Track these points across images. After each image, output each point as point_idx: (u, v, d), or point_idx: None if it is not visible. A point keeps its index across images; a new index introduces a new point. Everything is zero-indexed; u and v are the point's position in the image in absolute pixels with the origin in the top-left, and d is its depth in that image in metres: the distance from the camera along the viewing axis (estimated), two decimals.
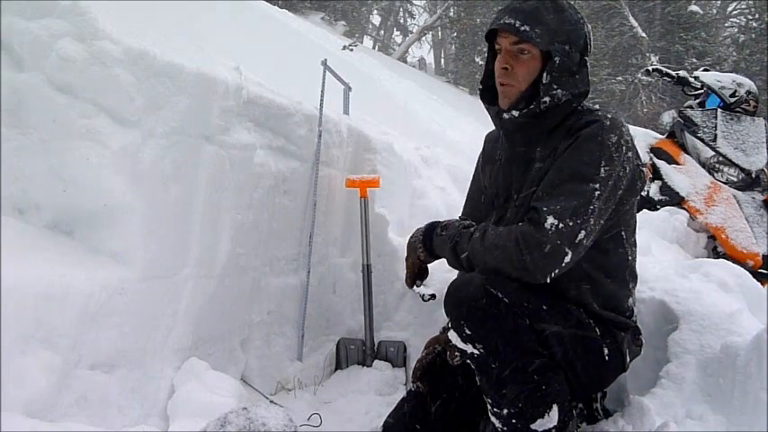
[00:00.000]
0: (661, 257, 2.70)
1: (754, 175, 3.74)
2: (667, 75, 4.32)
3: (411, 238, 1.96)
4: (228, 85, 2.02)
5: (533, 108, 1.68)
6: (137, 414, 1.75)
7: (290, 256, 2.44)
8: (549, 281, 1.55)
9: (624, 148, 1.63)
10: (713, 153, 3.79)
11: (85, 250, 1.76)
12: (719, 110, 3.87)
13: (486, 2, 17.34)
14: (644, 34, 15.35)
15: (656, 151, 4.00)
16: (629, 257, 1.77)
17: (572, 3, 1.75)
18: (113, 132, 1.76)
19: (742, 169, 3.74)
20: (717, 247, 3.52)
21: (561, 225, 1.53)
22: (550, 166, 1.65)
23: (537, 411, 1.54)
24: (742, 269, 2.38)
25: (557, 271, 1.54)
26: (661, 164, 3.89)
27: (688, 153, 3.89)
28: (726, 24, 19.84)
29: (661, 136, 4.21)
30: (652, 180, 3.88)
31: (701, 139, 3.84)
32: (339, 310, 2.63)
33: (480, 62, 17.35)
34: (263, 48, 7.20)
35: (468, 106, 12.24)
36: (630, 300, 1.78)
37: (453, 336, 1.58)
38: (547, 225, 1.53)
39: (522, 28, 1.64)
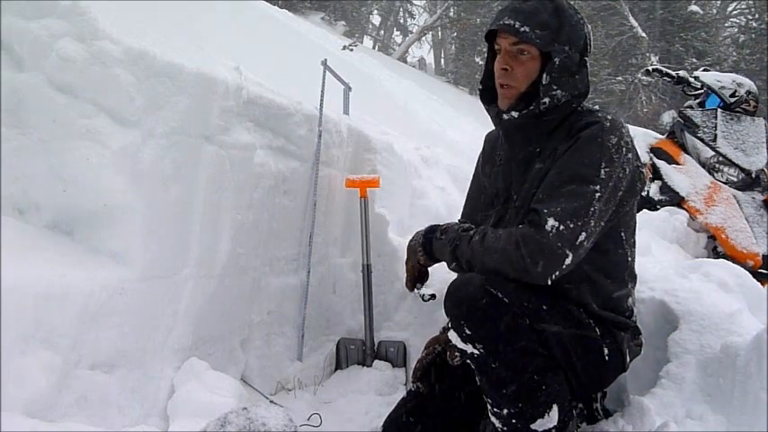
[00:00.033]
0: (661, 257, 2.70)
1: (754, 175, 3.74)
2: (667, 75, 4.32)
3: (411, 241, 1.95)
4: (228, 85, 2.02)
5: (533, 109, 1.68)
6: (137, 414, 1.75)
7: (290, 256, 2.44)
8: (549, 283, 1.55)
9: (624, 149, 1.63)
10: (713, 153, 3.79)
11: (85, 250, 1.76)
12: (719, 110, 3.87)
13: (487, 2, 17.34)
14: (644, 34, 15.36)
15: (656, 151, 4.00)
16: (629, 258, 1.77)
17: (572, 3, 1.75)
18: (113, 132, 1.76)
19: (742, 169, 3.74)
20: (717, 247, 3.52)
21: (562, 227, 1.53)
22: (550, 167, 1.65)
23: (537, 411, 1.54)
24: (742, 269, 2.38)
25: (557, 273, 1.54)
26: (661, 164, 3.89)
27: (688, 153, 3.89)
28: (726, 24, 19.84)
29: (661, 136, 4.21)
30: (652, 180, 3.88)
31: (701, 139, 3.84)
32: (339, 310, 2.63)
33: (480, 62, 17.34)
34: (263, 48, 7.20)
35: (468, 106, 12.24)
36: (630, 300, 1.78)
37: (453, 336, 1.58)
38: (547, 227, 1.53)
39: (522, 29, 1.64)
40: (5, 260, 1.45)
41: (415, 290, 1.98)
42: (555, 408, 1.55)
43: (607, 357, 1.68)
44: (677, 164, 3.86)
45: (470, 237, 1.68)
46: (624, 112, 14.64)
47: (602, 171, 1.58)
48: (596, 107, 1.79)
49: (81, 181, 1.75)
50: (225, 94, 2.01)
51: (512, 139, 1.78)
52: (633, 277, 1.81)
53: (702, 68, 4.68)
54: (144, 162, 1.78)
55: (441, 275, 2.15)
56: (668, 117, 5.12)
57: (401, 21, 25.21)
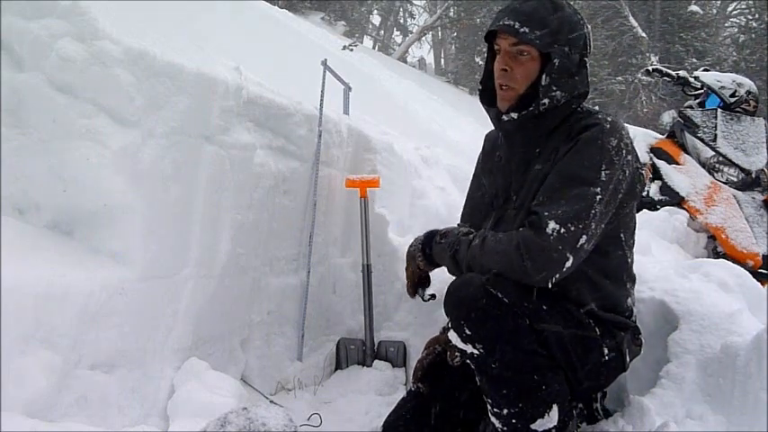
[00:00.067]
0: (661, 257, 2.70)
1: (754, 175, 3.75)
2: (667, 75, 4.32)
3: (410, 247, 1.93)
4: (228, 85, 2.02)
5: (532, 110, 1.68)
6: (137, 414, 1.75)
7: (290, 256, 2.44)
8: (549, 286, 1.55)
9: (624, 151, 1.63)
10: (713, 153, 3.79)
11: (85, 250, 1.76)
12: (719, 110, 3.87)
13: (487, 2, 17.34)
14: (644, 34, 15.35)
15: (656, 151, 4.00)
16: (628, 260, 1.77)
17: (572, 3, 1.75)
18: (113, 132, 1.76)
19: (742, 169, 3.74)
20: (717, 247, 3.52)
21: (563, 230, 1.53)
22: (550, 169, 1.65)
23: (537, 411, 1.54)
24: (742, 269, 2.38)
25: (557, 276, 1.54)
26: (661, 164, 3.89)
27: (688, 153, 3.89)
28: (726, 24, 19.85)
29: (661, 136, 4.21)
30: (652, 180, 3.88)
31: (701, 139, 3.85)
32: (339, 310, 2.63)
33: (480, 62, 17.35)
34: (263, 48, 7.20)
35: (468, 106, 12.24)
36: (629, 300, 1.78)
37: (453, 336, 1.58)
38: (548, 230, 1.53)
39: (522, 29, 1.64)
40: (5, 260, 1.45)
41: (417, 296, 1.95)
42: (555, 408, 1.55)
43: (607, 357, 1.68)
44: (677, 164, 3.86)
45: (470, 240, 1.68)
46: (624, 112, 14.64)
47: (603, 173, 1.58)
48: (596, 108, 1.79)
49: (81, 181, 1.75)
50: (225, 94, 2.01)
51: (511, 140, 1.78)
52: (632, 278, 1.81)
53: (702, 68, 4.68)
54: (144, 162, 1.78)
55: (441, 276, 2.14)
56: (668, 117, 5.11)
57: (401, 21, 25.20)
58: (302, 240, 2.49)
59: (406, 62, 20.12)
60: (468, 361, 1.61)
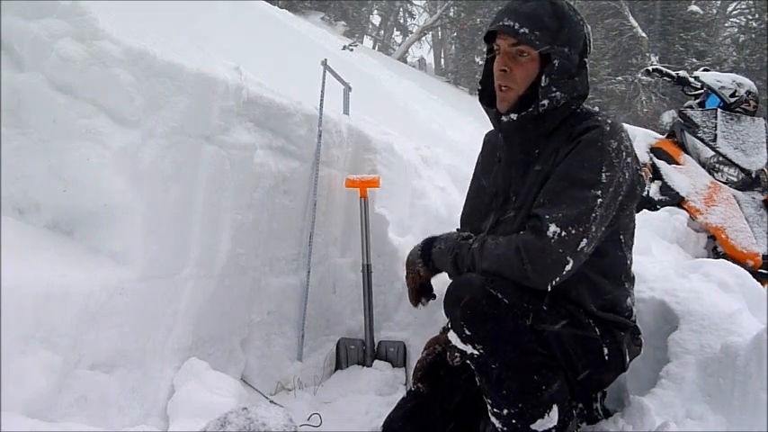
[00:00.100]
0: (661, 257, 2.70)
1: (754, 175, 3.75)
2: (667, 75, 4.32)
3: (409, 255, 1.92)
4: (228, 85, 2.02)
5: (532, 111, 1.67)
6: (137, 414, 1.75)
7: (290, 256, 2.44)
8: (549, 289, 1.55)
9: (624, 153, 1.63)
10: (713, 153, 3.79)
11: (85, 250, 1.76)
12: (719, 110, 3.87)
13: (487, 2, 17.34)
14: (644, 34, 15.36)
15: (656, 151, 4.00)
16: (627, 260, 1.77)
17: (571, 3, 1.75)
18: (113, 132, 1.76)
19: (742, 169, 3.74)
20: (717, 247, 3.53)
21: (564, 233, 1.53)
22: (550, 170, 1.65)
23: (537, 411, 1.54)
24: (742, 269, 2.38)
25: (557, 279, 1.54)
26: (661, 164, 3.89)
27: (688, 153, 3.89)
28: (726, 24, 19.86)
29: (661, 136, 4.21)
30: (652, 180, 3.88)
31: (701, 139, 3.85)
32: (339, 310, 2.63)
33: (480, 62, 17.36)
34: (263, 48, 7.19)
35: (468, 106, 12.23)
36: (629, 300, 1.78)
37: (453, 336, 1.58)
38: (549, 233, 1.53)
39: (521, 30, 1.63)
40: (5, 260, 1.45)
41: (420, 306, 1.93)
42: (555, 408, 1.55)
43: (607, 357, 1.68)
44: (677, 164, 3.86)
45: (470, 245, 1.68)
46: (624, 112, 14.64)
47: (604, 175, 1.58)
48: (595, 108, 1.79)
49: (81, 181, 1.75)
50: (225, 94, 2.01)
51: (511, 141, 1.77)
52: (631, 278, 1.81)
53: (702, 68, 4.68)
54: (144, 162, 1.79)
55: (441, 276, 2.15)
56: (668, 117, 5.11)
57: (401, 21, 25.20)
58: (302, 240, 2.49)
59: (406, 62, 20.12)
60: (468, 361, 1.61)
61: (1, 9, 1.81)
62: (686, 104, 4.19)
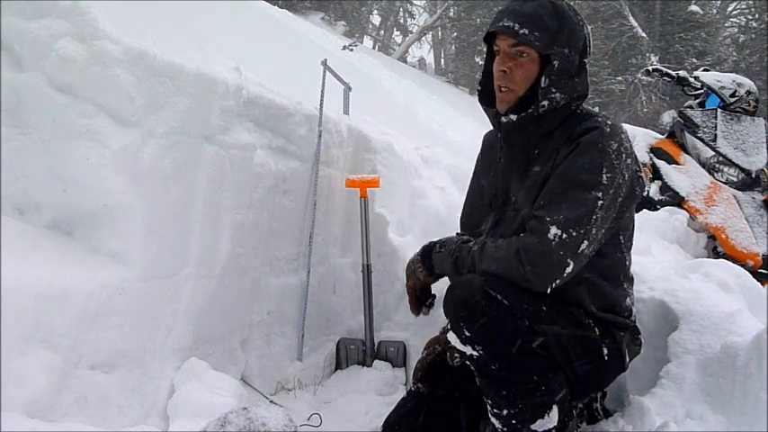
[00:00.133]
0: (661, 257, 2.70)
1: (754, 175, 3.75)
2: (667, 75, 4.32)
3: (408, 262, 1.91)
4: (228, 85, 2.02)
5: (532, 112, 1.67)
6: (137, 414, 1.75)
7: (290, 256, 2.44)
8: (549, 291, 1.55)
9: (624, 154, 1.62)
10: (713, 153, 3.79)
11: (85, 250, 1.76)
12: (719, 110, 3.87)
13: (486, 2, 17.34)
14: (644, 34, 15.36)
15: (656, 151, 4.00)
16: (627, 261, 1.77)
17: (571, 4, 1.74)
18: (113, 132, 1.76)
19: (742, 169, 3.74)
20: (717, 247, 3.52)
21: (565, 236, 1.53)
22: (550, 171, 1.65)
23: (537, 412, 1.54)
24: (742, 269, 2.38)
25: (558, 281, 1.54)
26: (661, 164, 3.89)
27: (688, 153, 3.89)
28: (726, 24, 19.87)
29: (661, 136, 4.21)
30: (652, 180, 3.88)
31: (701, 139, 3.85)
32: (339, 310, 2.63)
33: (480, 62, 17.34)
34: (263, 48, 7.19)
35: (468, 106, 12.23)
36: (628, 300, 1.78)
37: (453, 337, 1.58)
38: (550, 235, 1.53)
39: (522, 31, 1.63)
40: (5, 260, 1.45)
41: (422, 314, 1.91)
42: (555, 408, 1.55)
43: (606, 357, 1.68)
44: (677, 164, 3.86)
45: (470, 247, 1.68)
46: (624, 113, 14.64)
47: (604, 177, 1.58)
48: (595, 109, 1.79)
49: (81, 181, 1.75)
50: (225, 94, 2.01)
51: (510, 142, 1.77)
52: (630, 278, 1.81)
53: (702, 68, 4.68)
54: (144, 162, 1.78)
55: (442, 278, 2.15)
56: (668, 117, 5.13)
57: (401, 21, 25.21)
58: (302, 240, 2.49)
59: (406, 62, 20.12)
60: (467, 362, 1.60)
61: (1, 9, 1.81)
62: (686, 104, 4.19)
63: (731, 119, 3.85)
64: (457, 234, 1.96)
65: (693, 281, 2.20)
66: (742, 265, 2.56)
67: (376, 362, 2.46)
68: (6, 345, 1.41)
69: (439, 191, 3.12)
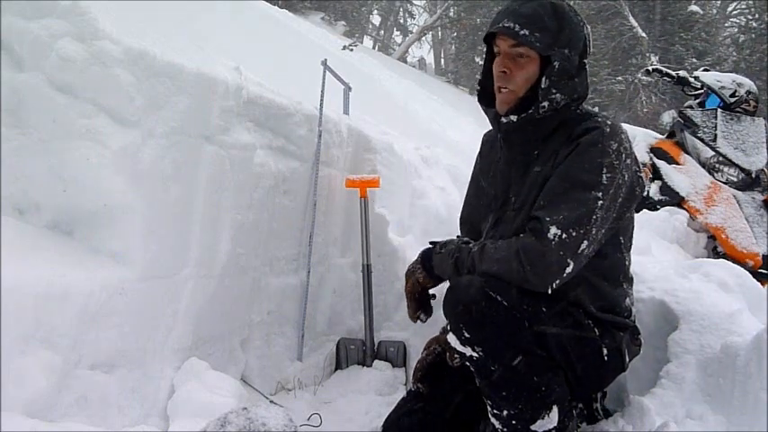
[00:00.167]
0: (661, 257, 2.70)
1: (754, 175, 3.75)
2: (667, 75, 4.32)
3: (408, 266, 1.90)
4: (228, 85, 2.02)
5: (532, 113, 1.67)
6: (137, 414, 1.75)
7: (290, 256, 2.44)
8: (549, 291, 1.54)
9: (624, 155, 1.62)
10: (713, 153, 3.79)
11: (85, 250, 1.76)
12: (719, 110, 3.87)
13: (487, 2, 17.34)
14: (644, 34, 15.35)
15: (656, 151, 4.00)
16: (626, 261, 1.77)
17: (571, 4, 1.74)
18: (113, 132, 1.76)
19: (742, 169, 3.74)
20: (717, 247, 3.53)
21: (564, 236, 1.52)
22: (550, 171, 1.65)
23: (537, 412, 1.54)
24: (742, 269, 2.38)
25: (557, 282, 1.54)
26: (661, 164, 3.89)
27: (688, 153, 3.89)
28: (726, 24, 19.86)
29: (661, 136, 4.22)
30: (652, 180, 3.88)
31: (701, 139, 3.85)
32: (339, 310, 2.63)
33: (480, 62, 17.32)
34: (263, 48, 7.19)
35: (468, 106, 12.22)
36: (628, 300, 1.78)
37: (452, 339, 1.58)
38: (550, 235, 1.52)
39: (522, 32, 1.63)
40: (5, 260, 1.45)
41: (419, 321, 1.90)
42: (555, 409, 1.55)
43: (606, 358, 1.68)
44: (677, 164, 3.86)
45: (470, 248, 1.67)
46: (624, 112, 14.64)
47: (604, 177, 1.58)
48: (595, 109, 1.79)
49: (81, 181, 1.75)
50: (225, 94, 2.01)
51: (510, 142, 1.77)
52: (630, 279, 1.81)
53: (702, 68, 4.68)
54: (144, 162, 1.78)
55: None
56: (668, 117, 5.13)
57: (401, 21, 25.21)
58: (302, 240, 2.49)
59: (406, 62, 20.12)
60: (467, 363, 1.60)
61: (1, 9, 1.81)
62: (686, 104, 4.19)
63: (731, 119, 3.85)
64: (457, 236, 1.96)
65: (693, 281, 2.20)
66: (742, 265, 2.56)
67: (376, 362, 2.46)
68: (6, 345, 1.41)
69: (439, 191, 3.11)
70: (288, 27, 10.21)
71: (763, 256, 3.38)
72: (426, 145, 3.82)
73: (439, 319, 1.82)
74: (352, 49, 11.27)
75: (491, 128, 1.90)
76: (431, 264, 1.81)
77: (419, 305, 1.89)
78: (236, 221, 2.10)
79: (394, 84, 10.61)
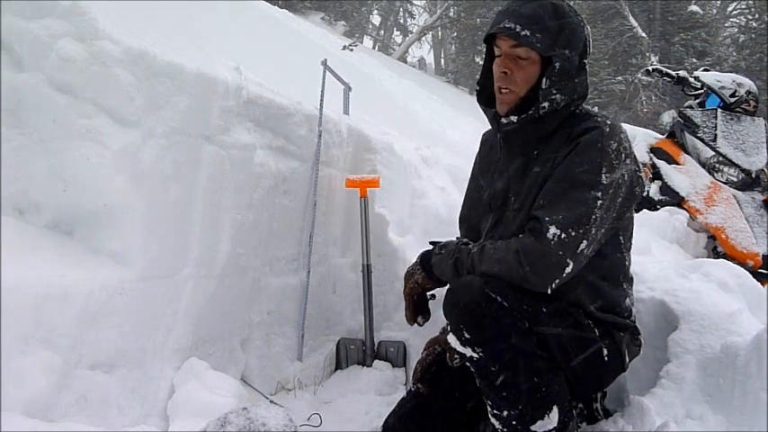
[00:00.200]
0: (661, 257, 2.70)
1: (754, 175, 3.75)
2: (667, 75, 4.32)
3: (407, 268, 1.90)
4: (228, 85, 2.02)
5: (532, 113, 1.67)
6: (137, 414, 1.75)
7: (290, 256, 2.44)
8: (549, 291, 1.54)
9: (623, 154, 1.62)
10: (713, 153, 3.79)
11: (85, 250, 1.76)
12: (719, 110, 3.87)
13: (487, 2, 17.34)
14: (644, 34, 15.36)
15: (656, 151, 4.00)
16: (626, 261, 1.77)
17: (571, 4, 1.74)
18: (113, 132, 1.76)
19: (742, 169, 3.74)
20: (717, 247, 3.52)
21: (564, 236, 1.52)
22: (549, 172, 1.64)
23: (537, 413, 1.53)
24: (742, 269, 2.38)
25: (557, 282, 1.54)
26: (661, 164, 3.89)
27: (688, 153, 3.89)
28: (726, 24, 19.88)
29: (661, 136, 4.21)
30: (652, 180, 3.88)
31: (701, 139, 3.85)
32: (339, 310, 2.63)
33: (480, 62, 17.33)
34: (263, 48, 7.20)
35: (468, 106, 12.22)
36: (628, 300, 1.78)
37: (453, 339, 1.57)
38: (549, 235, 1.52)
39: (523, 33, 1.62)
40: (5, 260, 1.45)
41: (417, 324, 1.90)
42: (555, 409, 1.55)
43: (606, 358, 1.68)
44: (677, 164, 3.86)
45: (470, 249, 1.67)
46: (624, 112, 14.64)
47: (604, 176, 1.57)
48: (594, 109, 1.78)
49: (81, 181, 1.75)
50: (225, 94, 2.01)
51: (510, 143, 1.77)
52: (630, 279, 1.81)
53: (702, 68, 4.68)
54: (144, 162, 1.78)
55: None
56: (668, 117, 5.12)
57: (401, 21, 25.22)
58: (302, 240, 2.49)
59: (406, 62, 20.13)
60: (467, 364, 1.60)
61: (1, 9, 1.81)
62: (686, 104, 4.19)
63: (731, 119, 3.85)
64: (456, 238, 1.96)
65: (693, 281, 2.20)
66: (742, 265, 2.56)
67: (376, 362, 2.46)
68: (6, 345, 1.41)
69: (439, 191, 3.12)
70: (288, 27, 10.22)
71: (763, 256, 3.38)
72: (426, 145, 3.82)
73: (439, 319, 1.82)
74: (352, 49, 11.28)
75: (490, 127, 1.90)
76: (430, 265, 1.80)
77: (417, 308, 1.89)
78: (236, 221, 2.10)
79: (394, 84, 10.62)
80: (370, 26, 24.85)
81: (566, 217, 1.54)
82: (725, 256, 3.29)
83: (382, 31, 25.23)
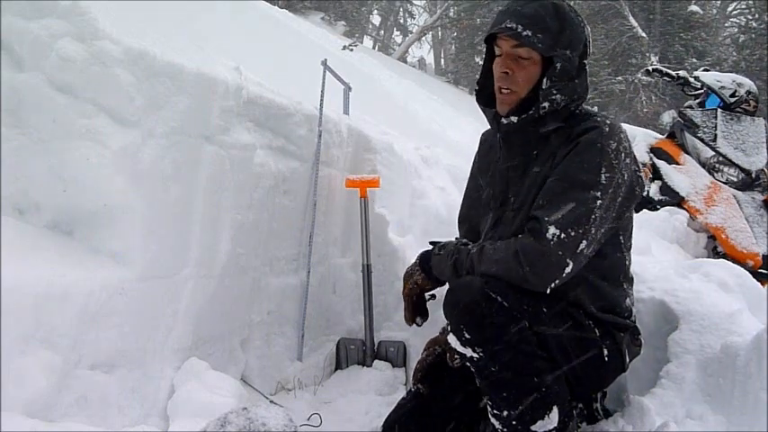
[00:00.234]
0: (661, 257, 2.70)
1: (754, 175, 3.75)
2: (667, 75, 4.32)
3: (406, 269, 1.90)
4: (228, 85, 2.02)
5: (532, 113, 1.67)
6: (137, 414, 1.75)
7: (290, 256, 2.44)
8: (548, 291, 1.54)
9: (623, 154, 1.62)
10: (713, 153, 3.79)
11: (85, 250, 1.76)
12: (719, 110, 3.87)
13: (487, 2, 17.34)
14: (644, 34, 15.35)
15: (656, 151, 4.00)
16: (626, 261, 1.77)
17: (571, 4, 1.74)
18: (113, 132, 1.76)
19: (742, 169, 3.74)
20: (717, 247, 3.53)
21: (563, 235, 1.52)
22: (549, 172, 1.64)
23: (537, 413, 1.53)
24: (742, 269, 2.38)
25: (557, 282, 1.54)
26: (661, 164, 3.89)
27: (688, 153, 3.89)
28: (726, 24, 19.88)
29: (661, 136, 4.22)
30: (652, 180, 3.88)
31: (701, 139, 3.85)
32: (339, 310, 2.63)
33: (480, 62, 17.33)
34: (263, 48, 7.20)
35: (468, 106, 12.22)
36: (628, 300, 1.78)
37: (453, 339, 1.57)
38: (549, 235, 1.52)
39: (524, 33, 1.62)
40: (5, 260, 1.45)
41: (415, 325, 1.90)
42: (555, 409, 1.55)
43: (607, 358, 1.68)
44: (677, 164, 3.86)
45: (469, 250, 1.67)
46: (624, 113, 14.64)
47: (603, 176, 1.57)
48: (594, 109, 1.78)
49: (81, 181, 1.75)
50: (225, 94, 2.01)
51: (510, 143, 1.77)
52: (630, 279, 1.81)
53: (702, 68, 4.69)
54: (144, 162, 1.78)
55: None
56: (668, 117, 5.13)
57: (401, 21, 25.22)
58: (302, 240, 2.49)
59: (406, 62, 20.13)
60: (467, 364, 1.60)
61: (1, 9, 1.81)
62: (686, 104, 4.19)
63: (731, 119, 3.85)
64: (456, 238, 1.96)
65: (693, 281, 2.20)
66: (742, 265, 2.56)
67: (376, 362, 2.46)
68: (6, 345, 1.41)
69: (439, 191, 3.12)
70: (288, 27, 10.22)
71: (763, 256, 3.38)
72: (426, 145, 3.82)
73: (439, 319, 1.82)
74: (352, 49, 11.28)
75: (490, 127, 1.90)
76: (429, 265, 1.81)
77: (416, 308, 1.89)
78: (236, 221, 2.10)
79: (394, 84, 10.62)
80: (370, 26, 24.86)
81: (565, 217, 1.54)
82: (725, 256, 3.29)
83: (382, 31, 25.23)
